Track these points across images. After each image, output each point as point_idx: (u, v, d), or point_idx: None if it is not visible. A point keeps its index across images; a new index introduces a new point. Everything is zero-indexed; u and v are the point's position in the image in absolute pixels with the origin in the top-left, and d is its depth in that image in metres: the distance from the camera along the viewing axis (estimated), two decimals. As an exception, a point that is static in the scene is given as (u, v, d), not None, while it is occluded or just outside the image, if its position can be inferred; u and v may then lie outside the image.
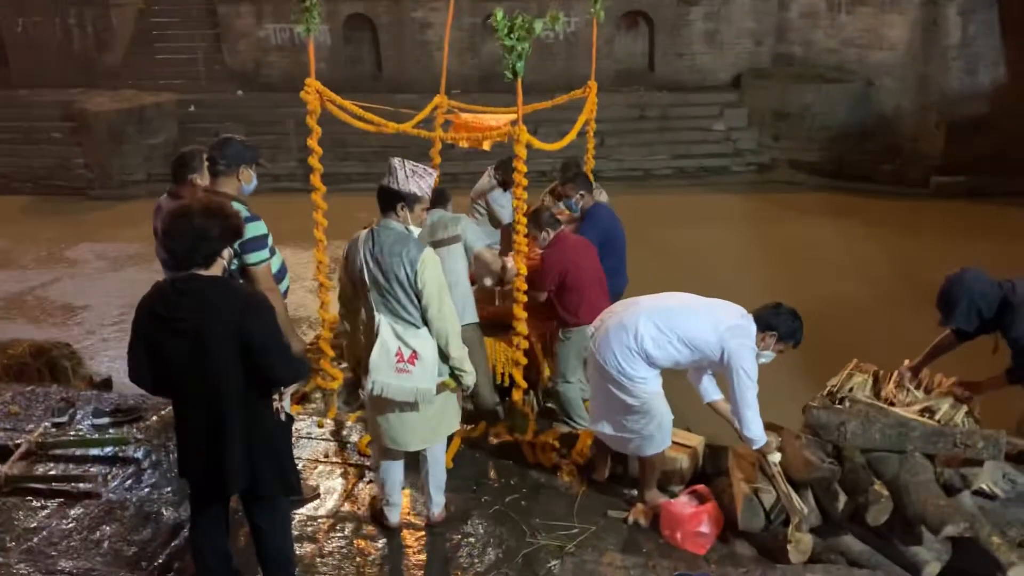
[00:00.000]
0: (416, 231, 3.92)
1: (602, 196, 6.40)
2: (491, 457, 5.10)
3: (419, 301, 3.85)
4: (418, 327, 3.89)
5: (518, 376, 5.40)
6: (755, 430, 4.14)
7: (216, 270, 3.25)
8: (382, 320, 3.88)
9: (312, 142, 5.39)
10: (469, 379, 4.07)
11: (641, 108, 17.12)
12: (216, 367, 3.17)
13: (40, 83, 18.07)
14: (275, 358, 3.23)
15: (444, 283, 3.92)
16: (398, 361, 3.84)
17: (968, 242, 12.43)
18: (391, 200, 3.86)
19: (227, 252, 3.30)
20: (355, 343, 4.27)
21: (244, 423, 3.26)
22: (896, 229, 13.29)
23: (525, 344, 5.41)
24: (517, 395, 5.41)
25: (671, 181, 16.17)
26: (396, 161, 3.87)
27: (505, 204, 6.63)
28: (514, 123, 5.21)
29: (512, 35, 4.55)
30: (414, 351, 3.85)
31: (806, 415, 4.32)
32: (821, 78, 16.54)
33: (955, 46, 14.90)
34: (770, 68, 17.54)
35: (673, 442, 4.66)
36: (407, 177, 3.82)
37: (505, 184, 6.64)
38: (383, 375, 3.86)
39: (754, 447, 4.23)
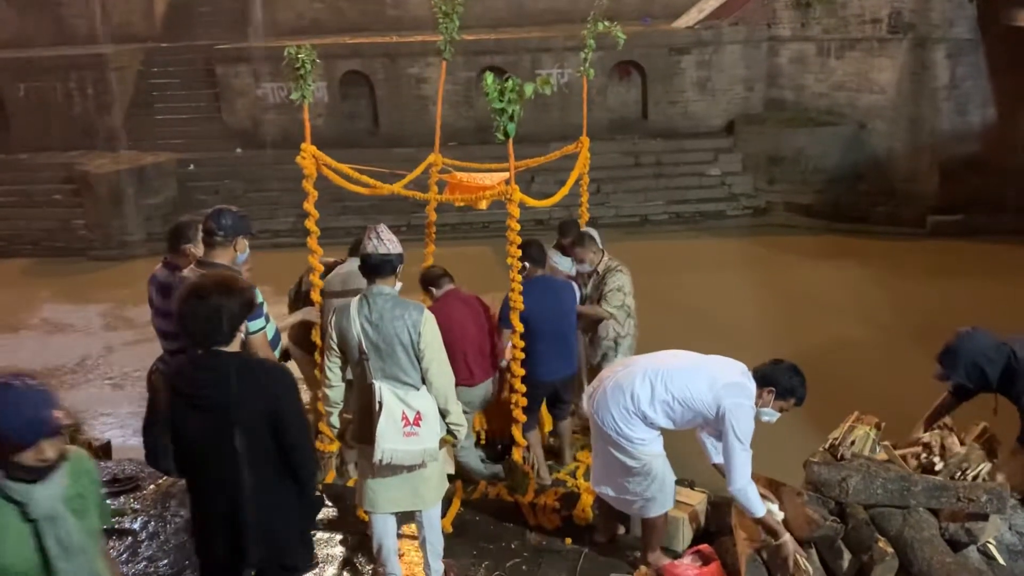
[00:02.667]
0: (398, 287, 4.03)
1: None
2: (491, 519, 5.04)
3: (419, 362, 3.90)
4: (417, 388, 3.93)
5: (517, 434, 5.37)
6: (739, 484, 3.95)
7: (236, 345, 3.22)
8: (382, 387, 3.87)
9: (308, 205, 5.42)
10: (464, 432, 4.17)
11: (636, 155, 17.29)
12: (242, 442, 3.11)
13: (41, 147, 18.28)
14: (297, 435, 3.21)
15: (441, 343, 3.99)
16: (405, 425, 3.85)
17: (966, 281, 12.47)
18: (386, 265, 3.92)
19: (244, 325, 3.28)
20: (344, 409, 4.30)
21: (268, 501, 3.22)
22: (894, 269, 13.33)
23: (524, 402, 5.38)
24: (517, 454, 5.37)
25: (668, 227, 16.27)
26: (380, 228, 3.98)
27: (562, 265, 6.49)
28: (507, 182, 5.25)
29: (503, 98, 4.61)
30: (418, 412, 3.88)
31: (807, 471, 4.28)
32: (813, 122, 16.74)
33: (944, 88, 15.10)
34: (762, 113, 17.76)
35: (675, 500, 4.61)
36: (391, 239, 3.94)
37: (561, 248, 6.43)
38: (391, 442, 3.84)
39: (742, 507, 4.08)
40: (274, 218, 15.83)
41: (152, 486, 5.39)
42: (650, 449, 4.23)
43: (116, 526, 4.97)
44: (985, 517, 4.04)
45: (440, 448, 4.04)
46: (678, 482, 4.94)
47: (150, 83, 19.38)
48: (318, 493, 3.57)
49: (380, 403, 3.84)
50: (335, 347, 4.03)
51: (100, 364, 11.18)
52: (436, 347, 3.92)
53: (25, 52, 20.05)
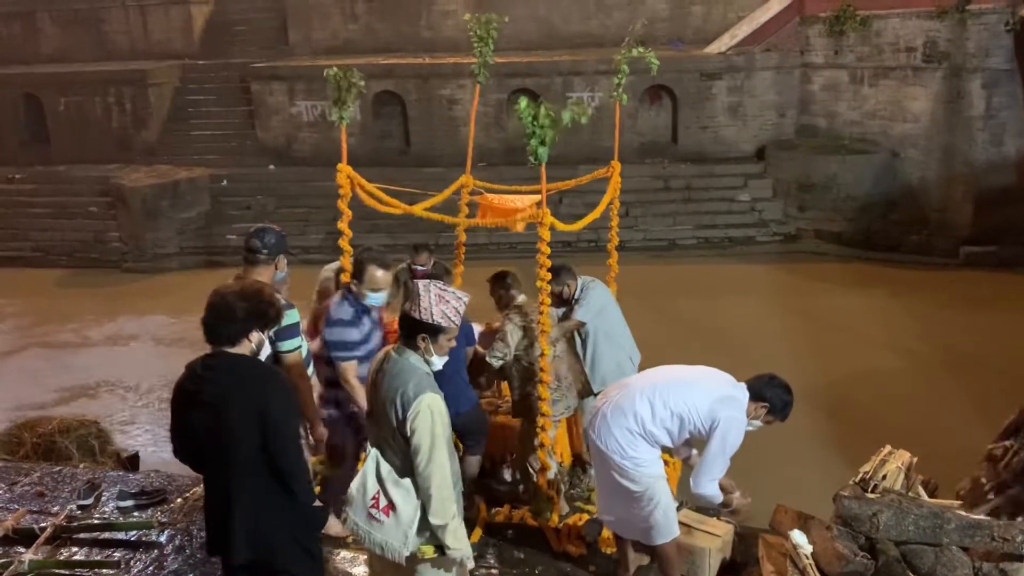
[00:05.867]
0: (439, 363, 3.48)
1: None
2: (514, 545, 5.01)
3: (408, 447, 3.35)
4: (402, 476, 3.41)
5: (543, 458, 5.34)
6: (705, 487, 4.21)
7: (243, 350, 3.32)
8: (371, 453, 3.47)
9: (343, 225, 5.47)
10: (457, 555, 3.43)
11: (665, 180, 17.26)
12: (234, 441, 3.23)
13: (79, 159, 18.68)
14: (282, 439, 3.27)
15: (440, 435, 3.34)
16: (372, 507, 3.42)
17: (1000, 313, 12.28)
18: (413, 330, 3.40)
19: (255, 336, 3.35)
20: None
21: (256, 500, 3.29)
22: (926, 300, 13.15)
23: (549, 425, 5.37)
24: (542, 478, 5.34)
25: (696, 251, 16.19)
26: (421, 286, 3.43)
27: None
28: (538, 205, 5.27)
29: (536, 124, 4.63)
30: (391, 502, 3.39)
31: (837, 505, 4.21)
32: (845, 149, 16.60)
33: (980, 117, 14.93)
34: (794, 139, 17.66)
35: (702, 531, 4.58)
36: (432, 304, 3.36)
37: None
38: (355, 514, 3.48)
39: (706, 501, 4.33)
40: (305, 234, 15.98)
41: (179, 499, 5.42)
42: (651, 471, 4.26)
43: (143, 538, 5.01)
44: (1020, 558, 3.95)
45: (412, 562, 3.46)
46: (702, 511, 4.92)
47: (187, 99, 19.74)
48: (318, 504, 3.55)
49: (363, 466, 3.49)
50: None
51: (131, 374, 11.30)
52: (426, 437, 3.28)
53: (67, 67, 20.51)
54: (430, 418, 3.29)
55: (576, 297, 5.89)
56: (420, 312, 3.36)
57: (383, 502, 3.38)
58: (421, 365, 3.41)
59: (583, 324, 5.86)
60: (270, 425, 3.22)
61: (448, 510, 3.36)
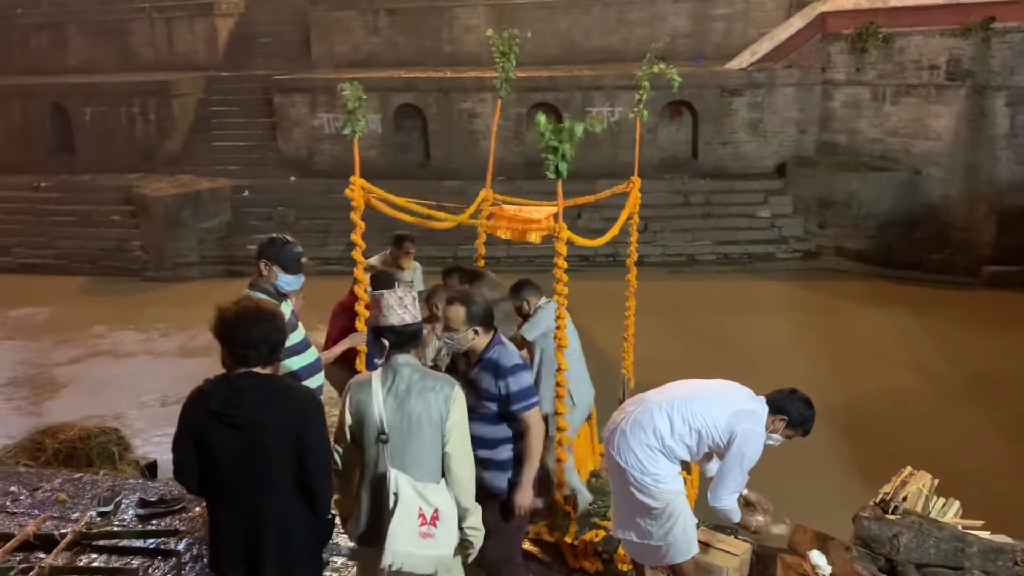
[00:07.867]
0: None
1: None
2: (531, 559, 4.99)
3: (443, 447, 3.45)
4: (436, 480, 3.46)
5: (560, 473, 5.33)
6: (725, 502, 4.16)
7: (270, 370, 3.30)
8: (399, 477, 3.38)
9: (356, 236, 5.48)
10: (480, 539, 3.57)
11: (685, 195, 17.25)
12: (269, 463, 3.18)
13: (103, 169, 18.92)
14: (318, 460, 3.24)
15: (466, 422, 3.55)
16: (421, 524, 3.35)
17: (1022, 334, 12.14)
18: (419, 334, 3.56)
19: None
20: (347, 499, 3.69)
21: (286, 521, 3.27)
22: (946, 319, 13.04)
23: (567, 440, 5.36)
24: (558, 493, 5.33)
25: (715, 267, 16.15)
26: (400, 294, 3.54)
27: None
28: (555, 219, 5.26)
29: (556, 138, 4.65)
30: (436, 509, 3.39)
31: (856, 526, 4.19)
32: (866, 166, 16.53)
33: (1003, 136, 14.82)
34: (814, 156, 17.60)
35: (720, 549, 4.55)
36: (415, 304, 3.55)
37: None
38: (404, 544, 3.33)
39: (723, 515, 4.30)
40: (325, 245, 16.09)
41: (198, 508, 5.44)
42: (671, 487, 4.22)
43: (162, 546, 5.04)
44: (1044, 583, 3.91)
45: (461, 554, 3.53)
46: (720, 529, 4.89)
47: (210, 110, 19.98)
48: (330, 516, 3.55)
49: (396, 495, 3.35)
50: (348, 427, 3.54)
51: (150, 382, 11.38)
52: (463, 431, 3.46)
53: (93, 78, 20.82)
54: (463, 407, 3.47)
55: (530, 314, 5.71)
56: (415, 314, 3.52)
57: (429, 512, 3.36)
58: (423, 366, 3.57)
59: (526, 340, 5.63)
60: (308, 448, 3.18)
61: (473, 493, 3.52)
